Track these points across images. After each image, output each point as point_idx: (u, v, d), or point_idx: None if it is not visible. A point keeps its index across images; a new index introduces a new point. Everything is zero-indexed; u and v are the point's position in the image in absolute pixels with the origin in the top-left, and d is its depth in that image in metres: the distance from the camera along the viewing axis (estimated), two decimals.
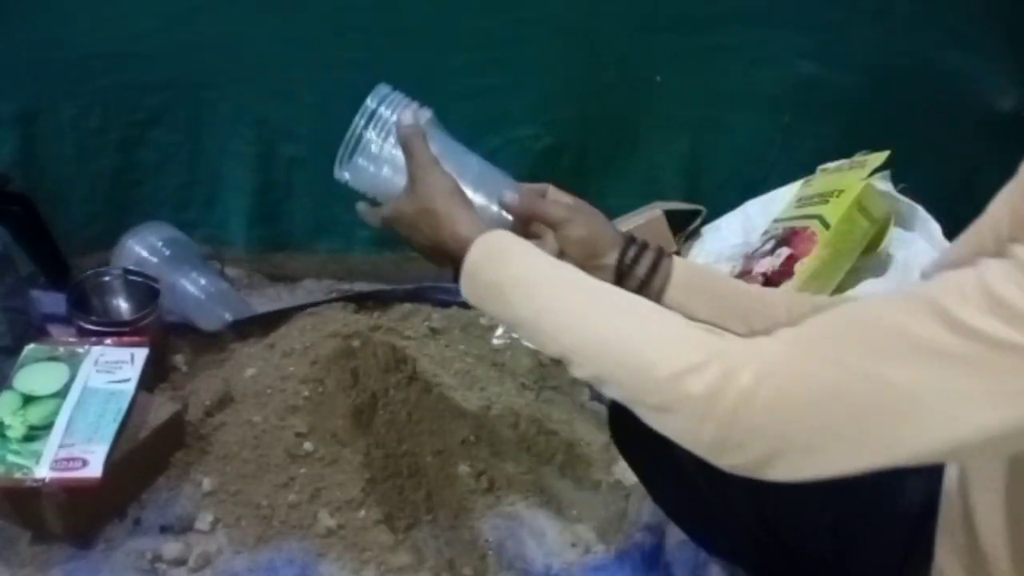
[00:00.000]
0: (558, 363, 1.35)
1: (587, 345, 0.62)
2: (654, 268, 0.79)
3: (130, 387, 1.06)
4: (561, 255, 0.80)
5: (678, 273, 0.79)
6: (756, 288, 0.85)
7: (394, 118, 0.82)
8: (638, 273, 0.79)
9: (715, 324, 0.77)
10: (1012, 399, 0.44)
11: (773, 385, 0.52)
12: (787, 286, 1.14)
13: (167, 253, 1.37)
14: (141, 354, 1.11)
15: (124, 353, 1.10)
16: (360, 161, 0.83)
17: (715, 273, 0.83)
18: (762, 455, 0.53)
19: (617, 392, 0.60)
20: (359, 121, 0.84)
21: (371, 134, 0.83)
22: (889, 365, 0.47)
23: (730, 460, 0.54)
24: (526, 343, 0.67)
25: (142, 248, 1.37)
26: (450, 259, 0.73)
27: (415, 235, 0.77)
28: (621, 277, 0.79)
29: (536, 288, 0.66)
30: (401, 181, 0.79)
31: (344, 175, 0.84)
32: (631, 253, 0.80)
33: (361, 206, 0.84)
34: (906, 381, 0.47)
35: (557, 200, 0.84)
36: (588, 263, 0.79)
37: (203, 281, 1.36)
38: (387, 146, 0.82)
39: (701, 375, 0.54)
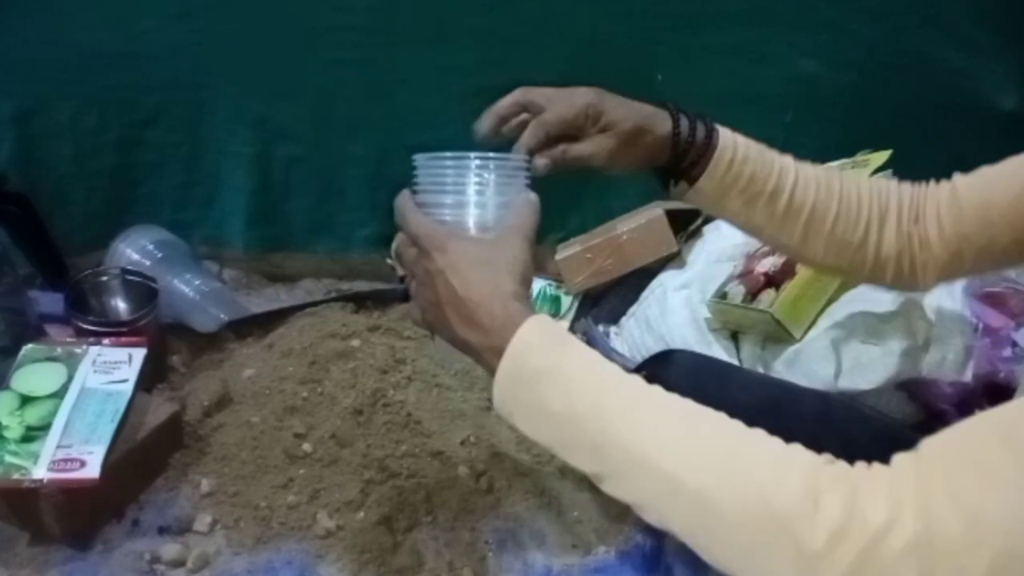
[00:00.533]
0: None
1: (648, 462, 0.52)
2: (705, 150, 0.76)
3: (128, 387, 1.06)
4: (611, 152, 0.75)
5: (716, 166, 0.76)
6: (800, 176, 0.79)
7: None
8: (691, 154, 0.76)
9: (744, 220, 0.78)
10: None
11: (908, 533, 0.44)
12: (788, 286, 1.13)
13: (159, 255, 1.37)
14: (139, 354, 1.10)
15: (122, 353, 1.10)
16: None
17: (759, 173, 0.78)
18: None
19: (676, 522, 0.52)
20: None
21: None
22: None
23: None
24: (559, 454, 0.59)
25: (133, 251, 1.37)
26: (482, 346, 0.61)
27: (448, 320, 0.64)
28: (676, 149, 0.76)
29: (598, 383, 0.57)
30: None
31: None
32: (684, 127, 0.76)
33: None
34: None
35: (567, 104, 0.77)
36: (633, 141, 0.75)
37: (197, 282, 1.36)
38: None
39: (816, 508, 0.46)
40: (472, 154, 0.69)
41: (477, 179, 0.68)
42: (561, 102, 0.76)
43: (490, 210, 0.68)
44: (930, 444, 0.48)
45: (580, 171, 0.80)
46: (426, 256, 0.64)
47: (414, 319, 0.68)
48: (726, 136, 0.78)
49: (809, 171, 0.78)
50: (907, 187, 0.81)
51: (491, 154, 0.70)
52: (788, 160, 0.79)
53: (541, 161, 0.74)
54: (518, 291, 0.61)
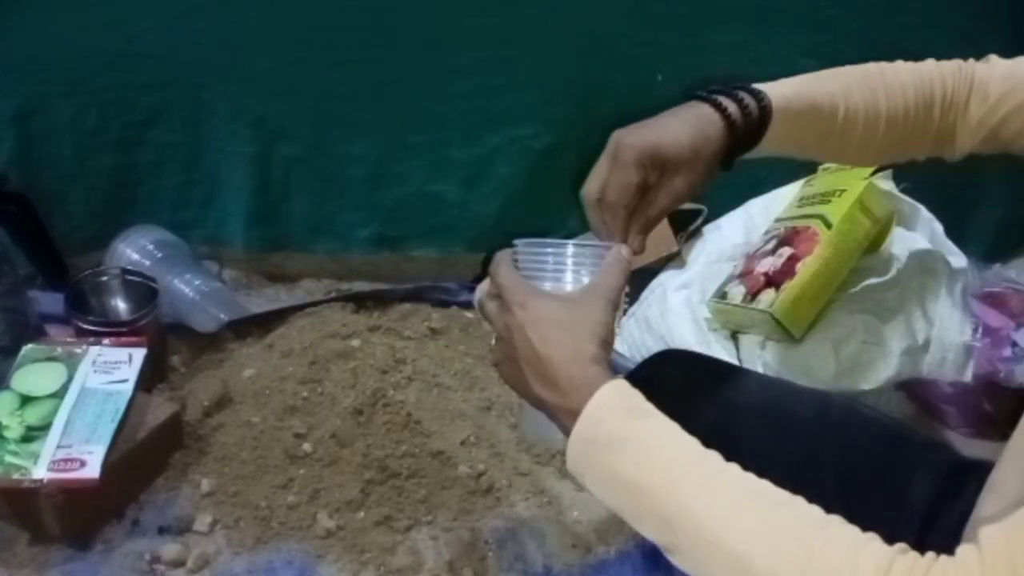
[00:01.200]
0: None
1: (719, 543, 0.52)
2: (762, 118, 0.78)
3: (128, 387, 1.06)
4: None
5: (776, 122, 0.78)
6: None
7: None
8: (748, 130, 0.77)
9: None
10: None
11: None
12: (788, 286, 1.13)
13: (159, 255, 1.37)
14: (139, 354, 1.10)
15: (122, 353, 1.10)
16: None
17: (813, 123, 0.83)
18: None
19: None
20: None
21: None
22: None
23: None
24: (630, 522, 0.59)
25: (133, 251, 1.36)
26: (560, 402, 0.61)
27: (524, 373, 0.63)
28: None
29: (674, 456, 0.56)
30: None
31: None
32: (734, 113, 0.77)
33: None
34: None
35: (622, 180, 0.72)
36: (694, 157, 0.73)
37: (197, 282, 1.36)
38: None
39: None
40: (570, 242, 0.69)
41: (574, 265, 0.69)
42: (616, 178, 0.72)
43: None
44: (992, 535, 0.48)
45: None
46: (507, 310, 0.64)
47: (500, 375, 0.68)
48: (775, 96, 0.80)
49: (855, 98, 0.83)
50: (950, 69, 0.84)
51: (588, 243, 0.70)
52: (835, 90, 0.85)
53: (636, 244, 0.71)
54: (598, 354, 0.61)
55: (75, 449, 0.98)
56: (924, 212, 1.23)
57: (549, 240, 0.69)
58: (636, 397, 0.60)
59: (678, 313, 1.28)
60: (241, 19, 1.30)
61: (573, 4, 1.33)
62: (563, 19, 1.33)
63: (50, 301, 1.30)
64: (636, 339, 1.34)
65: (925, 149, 0.88)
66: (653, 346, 1.28)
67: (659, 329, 1.29)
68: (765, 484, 0.55)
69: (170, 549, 1.01)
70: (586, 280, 0.67)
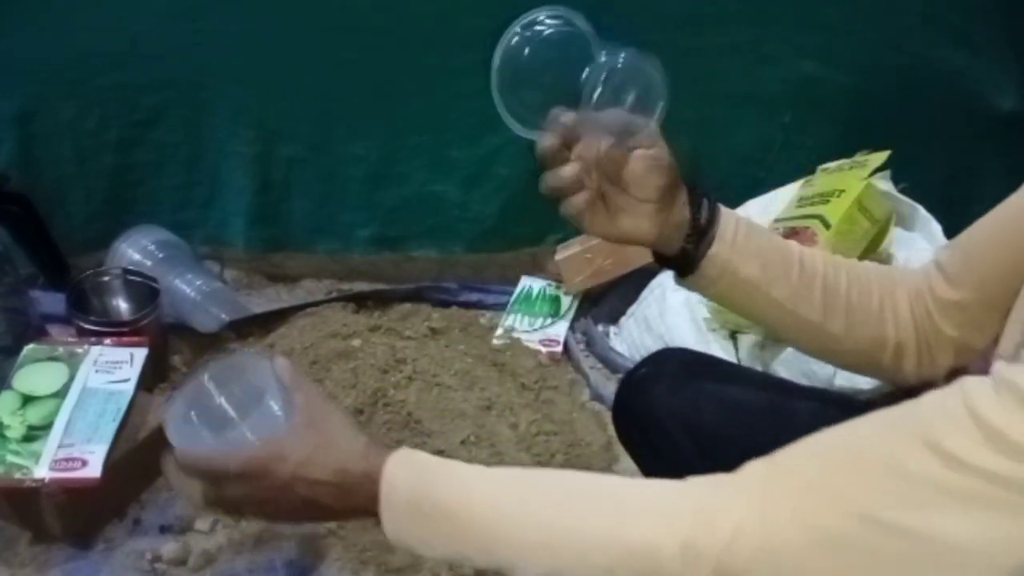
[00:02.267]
0: (557, 363, 1.34)
1: (547, 548, 0.54)
2: (711, 215, 0.71)
3: (129, 387, 1.06)
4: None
5: (725, 229, 0.72)
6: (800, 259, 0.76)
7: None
8: (702, 218, 0.71)
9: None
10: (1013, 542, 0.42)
11: (754, 543, 0.47)
12: None
13: (160, 255, 1.37)
14: (140, 354, 1.10)
15: (123, 353, 1.10)
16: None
17: (763, 235, 0.74)
18: None
19: None
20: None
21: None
22: (887, 509, 0.44)
23: None
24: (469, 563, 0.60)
25: (134, 251, 1.37)
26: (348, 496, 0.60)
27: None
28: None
29: (469, 500, 0.57)
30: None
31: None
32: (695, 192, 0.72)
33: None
34: (910, 526, 0.43)
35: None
36: (664, 196, 0.71)
37: (198, 282, 1.36)
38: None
39: (673, 532, 0.50)
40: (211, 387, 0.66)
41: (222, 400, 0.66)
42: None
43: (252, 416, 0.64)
44: (785, 457, 0.50)
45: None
46: (264, 477, 0.61)
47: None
48: (726, 210, 0.74)
49: (810, 250, 0.75)
50: (905, 271, 0.79)
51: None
52: (787, 241, 0.77)
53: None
54: (367, 440, 0.62)
55: (76, 449, 0.98)
56: (923, 212, 1.23)
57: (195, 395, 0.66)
58: (417, 458, 0.61)
59: (677, 313, 1.28)
60: (241, 19, 1.30)
61: (572, 4, 1.33)
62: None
63: (51, 301, 1.30)
64: (635, 338, 1.34)
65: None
66: (652, 345, 1.28)
67: (658, 329, 1.29)
68: (555, 476, 0.59)
69: (171, 548, 1.01)
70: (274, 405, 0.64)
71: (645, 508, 0.53)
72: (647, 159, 0.69)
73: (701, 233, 0.71)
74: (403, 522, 0.59)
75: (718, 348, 1.22)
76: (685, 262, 0.73)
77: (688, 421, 0.81)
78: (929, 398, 0.46)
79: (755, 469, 0.51)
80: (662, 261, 0.75)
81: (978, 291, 0.70)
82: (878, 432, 0.47)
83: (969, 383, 0.44)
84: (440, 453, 1.14)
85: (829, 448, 0.49)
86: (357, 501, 0.60)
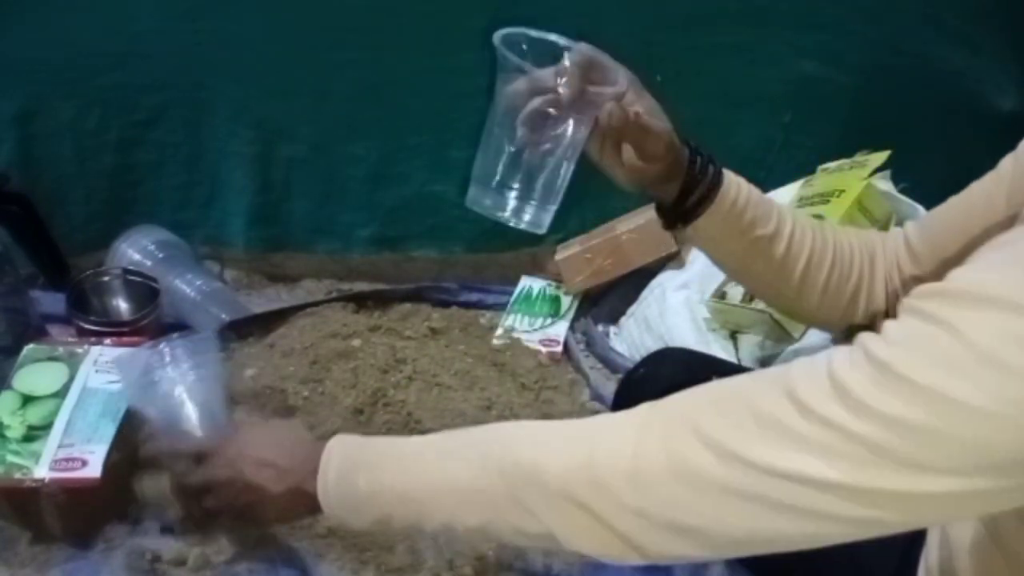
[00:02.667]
0: (557, 363, 1.34)
1: (519, 461, 0.58)
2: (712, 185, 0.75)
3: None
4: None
5: (720, 204, 0.75)
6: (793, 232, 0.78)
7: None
8: (701, 187, 0.74)
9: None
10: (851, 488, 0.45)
11: (626, 466, 0.52)
12: None
13: (160, 255, 1.37)
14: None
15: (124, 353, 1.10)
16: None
17: (756, 215, 0.76)
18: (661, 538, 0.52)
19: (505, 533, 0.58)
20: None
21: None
22: (738, 444, 0.48)
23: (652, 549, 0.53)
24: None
25: (134, 251, 1.37)
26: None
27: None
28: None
29: (400, 460, 0.63)
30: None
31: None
32: (698, 161, 0.75)
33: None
34: (754, 461, 0.47)
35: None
36: (667, 155, 0.73)
37: (198, 282, 1.36)
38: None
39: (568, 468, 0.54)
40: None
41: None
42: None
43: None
44: (670, 397, 0.54)
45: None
46: (216, 454, 0.72)
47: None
48: (730, 177, 0.77)
49: (804, 220, 0.78)
50: (884, 238, 0.80)
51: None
52: (784, 208, 0.79)
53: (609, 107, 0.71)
54: (308, 436, 0.71)
55: (76, 448, 0.98)
56: (923, 212, 1.23)
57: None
58: (356, 438, 0.67)
59: (677, 313, 1.28)
60: (241, 19, 1.30)
61: (572, 4, 1.33)
62: (563, 20, 1.33)
63: (51, 301, 1.30)
64: (635, 338, 1.34)
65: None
66: (652, 345, 1.28)
67: (658, 329, 1.29)
68: (476, 429, 0.63)
69: (171, 548, 1.01)
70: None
71: (541, 437, 0.58)
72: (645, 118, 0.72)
73: (688, 204, 0.75)
74: (334, 492, 0.64)
75: (718, 348, 1.22)
76: (680, 215, 0.77)
77: None
78: (807, 358, 0.50)
79: (643, 405, 0.55)
80: (661, 209, 0.79)
81: (937, 271, 0.73)
82: (751, 379, 0.52)
83: (837, 349, 0.48)
84: None
85: (707, 390, 0.53)
86: (296, 479, 0.66)
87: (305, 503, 0.66)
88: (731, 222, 0.75)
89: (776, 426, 0.47)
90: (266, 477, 0.67)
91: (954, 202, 0.75)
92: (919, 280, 0.74)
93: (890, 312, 0.76)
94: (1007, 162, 0.69)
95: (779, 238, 0.75)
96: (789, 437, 0.46)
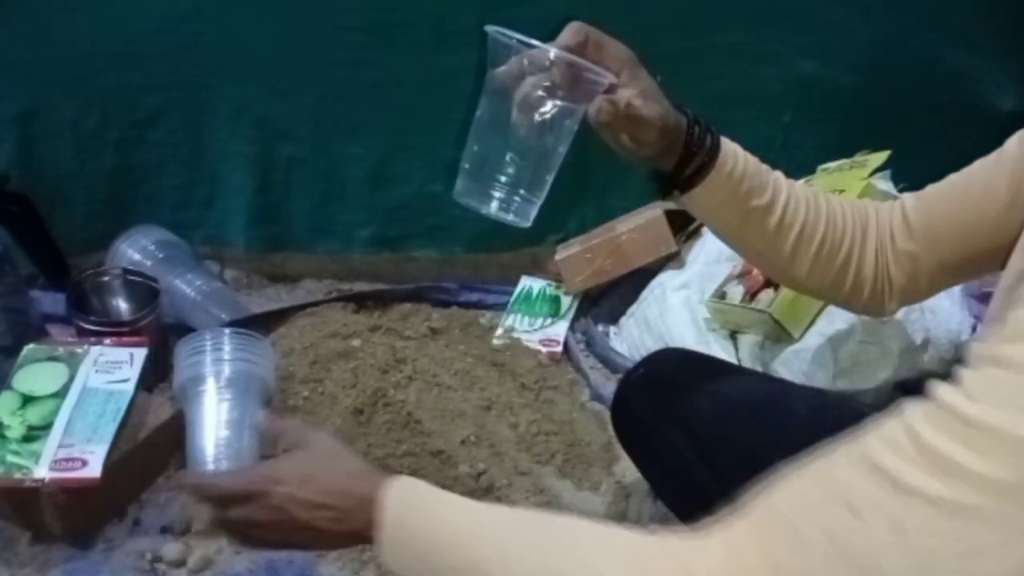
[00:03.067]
0: (557, 363, 1.35)
1: None
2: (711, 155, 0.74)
3: (129, 387, 1.06)
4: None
5: (717, 174, 0.74)
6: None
7: None
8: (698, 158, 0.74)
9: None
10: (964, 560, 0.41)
11: None
12: None
13: (160, 255, 1.37)
14: (140, 354, 1.11)
15: (123, 353, 1.10)
16: None
17: (753, 186, 0.76)
18: None
19: None
20: None
21: None
22: (851, 536, 0.44)
23: None
24: None
25: (135, 251, 1.37)
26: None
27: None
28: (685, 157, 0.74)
29: (465, 531, 0.57)
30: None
31: None
32: (696, 132, 0.75)
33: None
34: (867, 551, 0.43)
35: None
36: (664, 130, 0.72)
37: (198, 282, 1.36)
38: None
39: None
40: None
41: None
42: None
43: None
44: (746, 503, 0.50)
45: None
46: (265, 497, 0.63)
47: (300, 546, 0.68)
48: (727, 147, 0.76)
49: (799, 190, 0.78)
50: (879, 208, 0.80)
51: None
52: (781, 177, 0.78)
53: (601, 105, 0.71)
54: (363, 465, 0.63)
55: (76, 449, 0.98)
56: None
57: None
58: (418, 488, 0.61)
59: (677, 313, 1.28)
60: (241, 19, 1.30)
61: (572, 4, 1.33)
62: (563, 19, 1.33)
63: (52, 301, 1.31)
64: (635, 338, 1.34)
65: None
66: (652, 345, 1.28)
67: (658, 329, 1.29)
68: (537, 519, 0.57)
69: (171, 548, 1.01)
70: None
71: (621, 554, 0.52)
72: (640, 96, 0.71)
73: (687, 173, 0.74)
74: (398, 551, 0.59)
75: (718, 348, 1.22)
76: (676, 184, 0.76)
77: (686, 421, 0.81)
78: (874, 425, 0.46)
79: (719, 517, 0.51)
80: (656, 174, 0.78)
81: (931, 247, 0.74)
82: (829, 462, 0.48)
83: (908, 406, 0.45)
84: (440, 453, 1.15)
85: (786, 485, 0.49)
86: (355, 525, 0.61)
87: (361, 541, 0.62)
88: (728, 192, 0.74)
89: (875, 509, 0.43)
90: (321, 518, 0.62)
91: (953, 179, 0.75)
92: (912, 255, 0.75)
93: (878, 286, 0.76)
94: (1013, 143, 0.69)
95: (773, 209, 0.75)
96: (891, 519, 0.42)
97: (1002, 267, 0.64)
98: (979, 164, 0.73)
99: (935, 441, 0.41)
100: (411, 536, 0.59)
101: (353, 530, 0.61)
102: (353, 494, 0.61)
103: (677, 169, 0.74)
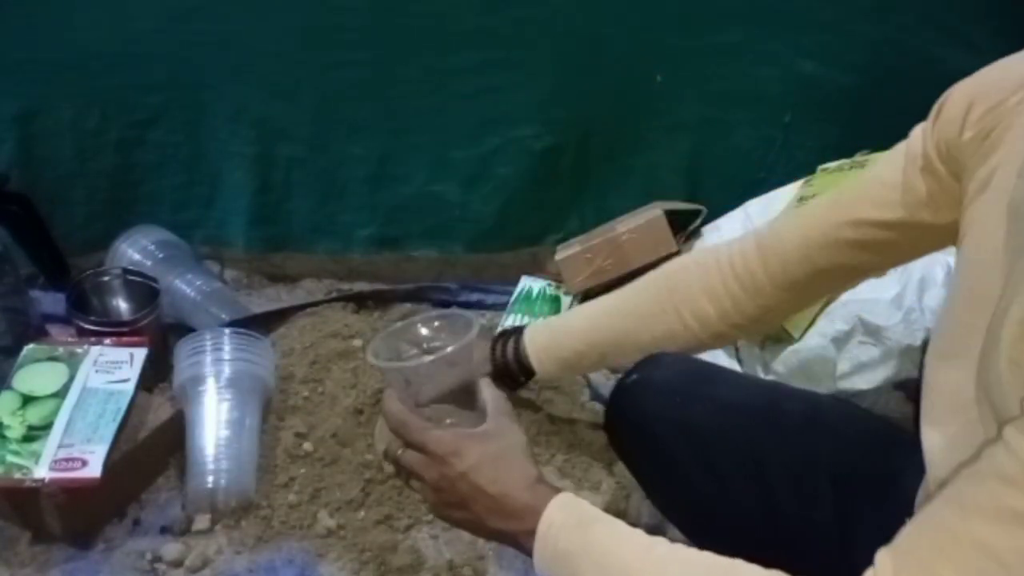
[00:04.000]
0: None
1: None
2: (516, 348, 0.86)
3: (129, 387, 1.06)
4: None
5: (535, 348, 0.86)
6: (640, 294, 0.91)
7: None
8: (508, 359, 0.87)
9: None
10: None
11: None
12: None
13: (160, 255, 1.37)
14: (140, 354, 1.11)
15: (123, 353, 1.10)
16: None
17: (569, 328, 0.90)
18: None
19: None
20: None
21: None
22: None
23: None
24: None
25: (135, 251, 1.37)
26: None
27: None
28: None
29: (622, 557, 0.60)
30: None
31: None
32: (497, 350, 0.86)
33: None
34: None
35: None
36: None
37: (198, 282, 1.36)
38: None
39: None
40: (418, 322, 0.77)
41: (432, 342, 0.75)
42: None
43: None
44: (906, 537, 0.51)
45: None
46: (442, 463, 0.66)
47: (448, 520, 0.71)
48: (529, 340, 0.90)
49: (602, 312, 0.90)
50: (725, 248, 0.85)
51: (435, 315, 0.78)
52: (587, 314, 0.92)
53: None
54: (537, 474, 0.66)
55: (76, 449, 0.98)
56: None
57: (398, 328, 0.76)
58: (580, 508, 0.64)
59: None
60: (241, 19, 1.30)
61: (573, 4, 1.33)
62: (563, 20, 1.33)
63: (52, 301, 1.31)
64: None
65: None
66: None
67: None
68: (704, 557, 0.59)
69: (171, 548, 1.01)
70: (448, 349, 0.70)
71: None
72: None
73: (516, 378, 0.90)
74: (552, 566, 0.62)
75: (719, 349, 1.22)
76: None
77: (680, 426, 0.81)
78: (986, 463, 0.48)
79: (883, 557, 0.52)
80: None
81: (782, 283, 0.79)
82: (949, 510, 0.49)
83: (1009, 435, 0.46)
84: None
85: (918, 539, 0.51)
86: (511, 526, 0.64)
87: (509, 542, 0.66)
88: (565, 356, 0.86)
89: (1017, 554, 0.45)
90: (481, 506, 0.66)
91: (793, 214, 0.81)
92: (786, 269, 0.78)
93: (726, 320, 0.82)
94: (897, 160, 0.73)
95: (596, 347, 0.86)
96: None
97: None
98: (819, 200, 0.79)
99: None
100: (568, 555, 0.61)
101: (507, 530, 0.65)
102: (519, 499, 0.64)
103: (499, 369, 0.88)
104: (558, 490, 0.65)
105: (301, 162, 1.43)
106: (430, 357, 0.69)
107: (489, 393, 0.71)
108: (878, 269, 0.79)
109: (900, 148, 0.72)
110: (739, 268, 0.81)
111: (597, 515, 0.63)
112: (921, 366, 1.17)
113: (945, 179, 0.64)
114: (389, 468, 1.11)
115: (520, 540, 0.64)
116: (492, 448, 0.67)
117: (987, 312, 0.51)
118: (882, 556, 0.52)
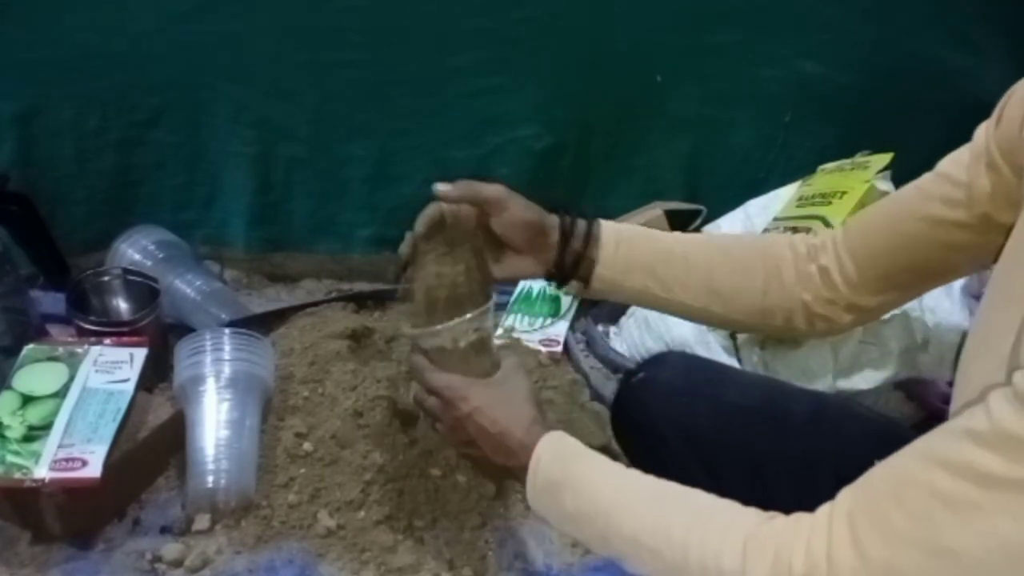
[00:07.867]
0: (557, 363, 1.35)
1: (639, 544, 0.61)
2: (587, 240, 0.82)
3: (129, 387, 1.06)
4: (501, 246, 0.81)
5: (606, 251, 0.81)
6: (705, 246, 0.83)
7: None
8: (574, 246, 0.81)
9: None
10: None
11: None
12: None
13: (160, 255, 1.37)
14: (140, 354, 1.11)
15: (123, 353, 1.10)
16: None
17: (648, 243, 0.84)
18: None
19: None
20: None
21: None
22: (941, 532, 0.47)
23: None
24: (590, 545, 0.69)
25: (135, 251, 1.37)
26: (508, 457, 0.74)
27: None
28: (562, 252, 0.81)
29: (598, 486, 0.67)
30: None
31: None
32: (567, 223, 0.82)
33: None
34: (961, 545, 0.47)
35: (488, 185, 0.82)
36: (532, 244, 0.80)
37: (198, 282, 1.36)
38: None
39: (745, 570, 0.54)
40: None
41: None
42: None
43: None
44: (868, 478, 0.54)
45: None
46: (452, 406, 0.75)
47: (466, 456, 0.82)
48: (607, 225, 0.84)
49: (700, 237, 0.84)
50: (800, 237, 0.82)
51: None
52: (678, 234, 0.85)
53: (443, 184, 0.84)
54: (535, 415, 0.73)
55: (76, 449, 0.98)
56: None
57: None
58: (565, 443, 0.71)
59: None
60: (241, 20, 1.31)
61: (573, 5, 1.33)
62: (563, 20, 1.34)
63: (51, 301, 1.31)
64: (635, 338, 1.34)
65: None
66: (652, 346, 1.28)
67: (658, 329, 1.29)
68: (667, 488, 0.65)
69: (171, 548, 1.01)
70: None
71: (733, 534, 0.57)
72: (501, 225, 0.80)
73: (575, 262, 0.81)
74: (541, 498, 0.69)
75: (718, 348, 1.22)
76: (576, 280, 0.83)
77: (685, 425, 0.81)
78: (963, 420, 0.49)
79: (822, 510, 0.54)
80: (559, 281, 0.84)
81: (872, 276, 0.76)
82: (914, 458, 0.51)
83: (992, 399, 0.47)
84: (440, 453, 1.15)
85: (878, 481, 0.53)
86: (511, 463, 0.72)
87: (513, 478, 0.75)
88: (620, 266, 0.81)
89: (962, 503, 0.47)
90: (485, 445, 0.74)
91: (883, 204, 0.77)
92: (863, 268, 0.75)
93: (812, 309, 0.78)
94: (963, 157, 0.70)
95: (674, 258, 0.80)
96: (976, 510, 0.46)
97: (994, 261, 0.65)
98: (908, 188, 0.76)
99: (1014, 427, 0.44)
100: (552, 485, 0.68)
101: (509, 467, 0.73)
102: (514, 437, 0.71)
103: (562, 256, 0.81)
104: (549, 429, 0.72)
105: (301, 162, 1.43)
106: (454, 320, 0.77)
107: (504, 353, 0.79)
108: (955, 270, 0.77)
109: (964, 148, 0.72)
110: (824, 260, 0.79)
111: (581, 450, 0.70)
112: (920, 366, 1.18)
113: (1007, 176, 0.64)
114: (389, 468, 1.11)
115: (519, 477, 0.71)
116: (496, 393, 0.74)
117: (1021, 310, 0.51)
118: (844, 493, 0.54)
